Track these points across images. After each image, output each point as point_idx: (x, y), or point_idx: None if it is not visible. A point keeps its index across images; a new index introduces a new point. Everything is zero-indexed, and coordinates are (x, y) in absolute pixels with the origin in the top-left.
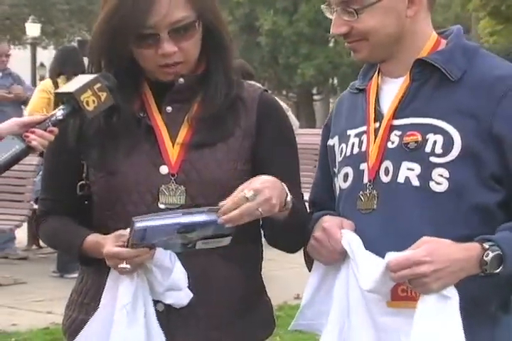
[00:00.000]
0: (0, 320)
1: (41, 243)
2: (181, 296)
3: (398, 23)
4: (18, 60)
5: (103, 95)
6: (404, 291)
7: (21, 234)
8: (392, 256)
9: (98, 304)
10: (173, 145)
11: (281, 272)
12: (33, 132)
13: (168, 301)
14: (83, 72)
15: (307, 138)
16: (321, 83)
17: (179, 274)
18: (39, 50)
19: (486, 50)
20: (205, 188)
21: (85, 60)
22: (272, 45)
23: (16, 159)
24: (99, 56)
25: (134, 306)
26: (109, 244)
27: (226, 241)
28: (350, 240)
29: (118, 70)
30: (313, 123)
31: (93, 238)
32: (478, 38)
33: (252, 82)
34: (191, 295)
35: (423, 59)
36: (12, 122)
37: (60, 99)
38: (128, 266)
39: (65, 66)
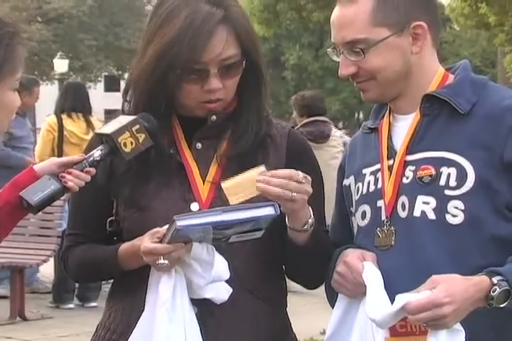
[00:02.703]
0: None
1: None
2: (221, 290)
3: (404, 60)
4: (46, 96)
5: (141, 137)
6: (403, 327)
7: (48, 269)
8: (405, 299)
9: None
10: (203, 183)
11: (307, 307)
12: (69, 173)
13: (208, 295)
14: (87, 108)
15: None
16: (347, 117)
17: (221, 264)
18: None
19: None
20: None
21: (101, 96)
22: (298, 80)
23: (50, 199)
24: (145, 92)
25: (173, 303)
26: (145, 241)
27: (258, 234)
28: (369, 274)
29: (153, 106)
30: None
31: (126, 244)
32: (504, 72)
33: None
34: (231, 290)
35: (431, 94)
36: (50, 162)
37: (99, 139)
38: (166, 261)
39: (70, 101)
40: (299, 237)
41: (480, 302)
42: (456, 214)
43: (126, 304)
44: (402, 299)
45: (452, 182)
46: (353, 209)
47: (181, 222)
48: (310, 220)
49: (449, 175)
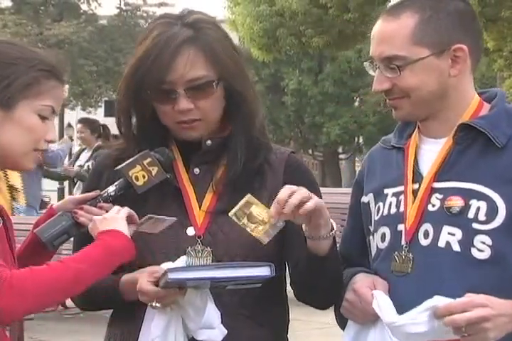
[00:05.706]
0: None
1: (67, 303)
2: (215, 333)
3: (441, 81)
4: None
5: (154, 170)
6: None
7: None
8: (438, 301)
9: None
10: (199, 208)
11: (307, 332)
12: (81, 208)
13: (200, 338)
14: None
15: (333, 197)
16: (347, 142)
17: (211, 313)
18: (66, 110)
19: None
20: (231, 250)
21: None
22: (298, 105)
23: (62, 234)
24: (127, 112)
25: (164, 339)
26: (142, 279)
27: (257, 285)
28: (380, 304)
29: (146, 128)
30: (339, 182)
31: (128, 276)
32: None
33: None
34: (225, 332)
35: (469, 123)
36: (67, 200)
37: (118, 175)
38: (158, 304)
39: None
40: (320, 245)
41: None
42: (482, 249)
43: (124, 330)
44: (433, 301)
45: (481, 216)
46: (371, 228)
47: (172, 275)
48: (334, 226)
49: (478, 208)
